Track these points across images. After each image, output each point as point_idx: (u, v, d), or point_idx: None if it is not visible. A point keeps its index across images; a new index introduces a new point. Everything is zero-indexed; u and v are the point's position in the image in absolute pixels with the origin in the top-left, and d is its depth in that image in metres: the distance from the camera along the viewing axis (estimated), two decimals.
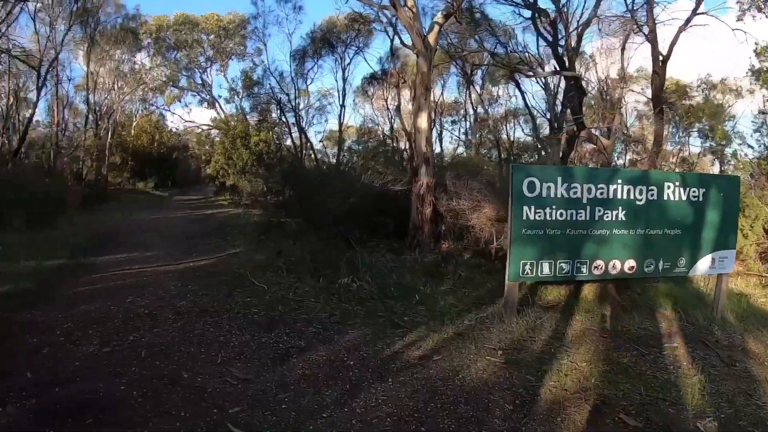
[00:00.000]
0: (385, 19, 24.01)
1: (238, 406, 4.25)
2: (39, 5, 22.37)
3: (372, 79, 31.42)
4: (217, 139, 34.65)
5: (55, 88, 25.80)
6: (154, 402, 4.23)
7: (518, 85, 26.04)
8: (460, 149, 35.27)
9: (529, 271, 6.49)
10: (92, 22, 26.36)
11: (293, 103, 31.36)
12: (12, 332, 5.79)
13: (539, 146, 28.20)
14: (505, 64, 19.80)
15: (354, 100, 36.84)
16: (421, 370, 5.11)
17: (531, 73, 20.91)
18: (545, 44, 16.14)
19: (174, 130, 43.79)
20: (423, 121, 11.26)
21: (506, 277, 6.57)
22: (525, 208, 6.37)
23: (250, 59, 35.29)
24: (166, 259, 10.20)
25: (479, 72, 29.17)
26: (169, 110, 40.17)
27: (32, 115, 24.39)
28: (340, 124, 32.51)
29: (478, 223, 9.78)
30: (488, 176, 10.84)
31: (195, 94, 37.27)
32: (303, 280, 7.99)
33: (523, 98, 27.27)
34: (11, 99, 26.53)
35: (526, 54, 21.34)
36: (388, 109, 32.44)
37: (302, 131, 32.32)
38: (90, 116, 29.82)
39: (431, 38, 11.54)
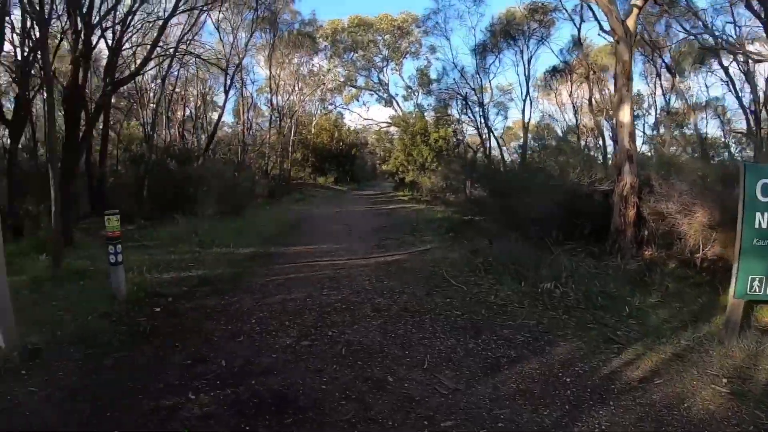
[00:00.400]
0: (570, 8, 22.44)
1: (450, 419, 3.63)
2: (221, 16, 23.79)
3: (554, 71, 29.58)
4: (396, 136, 34.91)
5: (241, 91, 27.54)
6: (359, 406, 3.77)
7: (726, 72, 22.59)
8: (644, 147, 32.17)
9: (757, 288, 5.21)
10: (271, 29, 27.89)
11: (479, 98, 30.45)
12: (207, 317, 5.75)
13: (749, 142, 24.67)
14: (727, 48, 17.41)
15: (532, 95, 34.67)
16: (643, 394, 4.18)
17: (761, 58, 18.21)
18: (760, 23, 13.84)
19: (352, 127, 45.16)
20: (625, 115, 10.00)
21: (730, 294, 5.33)
22: (758, 214, 5.12)
23: (424, 57, 35.29)
24: (355, 252, 9.99)
25: (663, 60, 26.18)
26: (348, 108, 41.59)
27: (221, 114, 26.31)
28: (524, 122, 30.99)
29: (688, 229, 8.42)
30: (694, 176, 9.34)
31: (372, 92, 38.12)
32: (503, 282, 7.25)
33: (732, 87, 23.29)
34: (200, 102, 28.53)
35: (723, 37, 18.81)
36: (573, 103, 30.44)
37: (490, 129, 31.40)
38: (273, 116, 31.44)
39: (630, 23, 10.24)
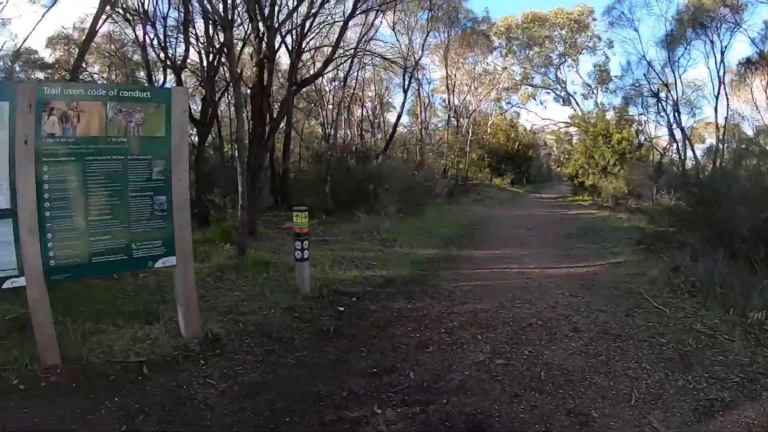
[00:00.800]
0: None
1: None
2: (395, 18, 23.87)
3: (747, 63, 25.61)
4: (576, 137, 33.33)
5: (418, 91, 27.51)
6: None
7: None
8: None
9: None
10: (445, 29, 27.68)
11: (671, 96, 27.54)
12: (393, 322, 5.44)
13: None
14: None
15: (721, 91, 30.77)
16: None
17: None
18: None
19: (528, 127, 44.00)
20: None
21: None
22: None
23: (601, 52, 33.52)
24: (542, 260, 9.28)
25: None
26: (524, 108, 40.50)
27: (400, 114, 26.30)
28: (717, 121, 27.26)
29: None
30: None
31: (549, 91, 36.71)
32: (708, 307, 6.16)
33: None
34: (376, 102, 28.96)
35: None
36: None
37: (683, 130, 28.17)
38: (450, 115, 31.21)
39: None
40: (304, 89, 18.24)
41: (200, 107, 14.88)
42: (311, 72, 16.79)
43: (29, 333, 4.40)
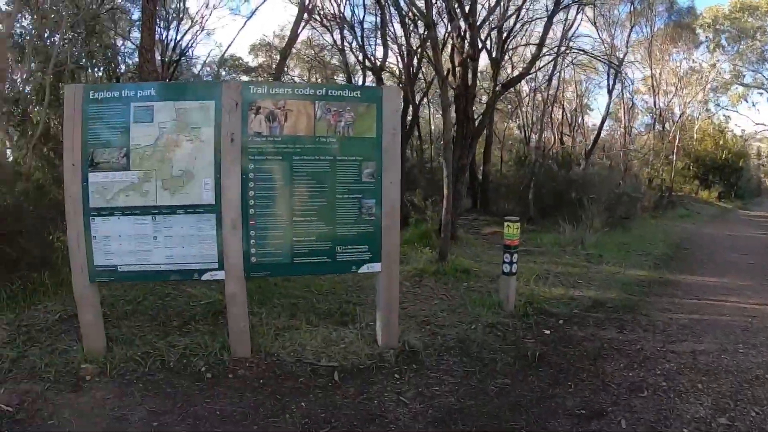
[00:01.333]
0: None
1: None
2: (595, 13, 22.19)
3: None
4: None
5: (621, 92, 25.49)
6: None
7: None
8: None
9: None
10: (648, 23, 25.34)
11: None
12: (603, 354, 4.88)
13: None
14: None
15: None
16: None
17: None
18: None
19: (738, 133, 39.26)
20: None
21: None
22: None
23: None
24: (765, 295, 7.90)
25: None
26: (735, 110, 35.98)
27: (604, 117, 24.33)
28: None
29: None
30: None
31: (762, 91, 32.28)
32: None
33: None
34: (576, 104, 27.56)
35: None
36: None
37: None
38: (654, 119, 28.95)
39: None
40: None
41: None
42: (511, 74, 16.31)
43: (222, 321, 4.57)
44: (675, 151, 29.61)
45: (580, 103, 28.64)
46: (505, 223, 5.96)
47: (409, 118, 15.88)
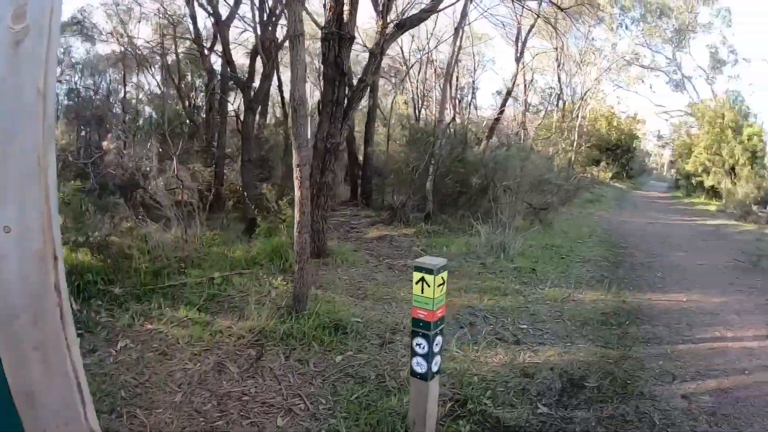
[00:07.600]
0: None
1: None
2: None
3: None
4: (693, 129, 29.50)
5: (521, 63, 23.72)
6: None
7: None
8: None
9: None
10: None
11: None
12: None
13: None
14: None
15: None
16: None
17: None
18: None
19: (631, 115, 38.97)
20: None
21: None
22: None
23: (718, 31, 30.17)
24: (749, 316, 5.81)
25: None
26: (631, 90, 36.11)
27: (511, 88, 22.79)
28: None
29: None
30: None
31: (660, 72, 32.00)
32: None
33: None
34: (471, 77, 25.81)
35: None
36: None
37: None
38: (559, 96, 28.65)
39: None
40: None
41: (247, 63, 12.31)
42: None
43: None
44: (577, 131, 28.59)
45: (473, 75, 26.48)
46: (414, 273, 2.87)
47: (259, 78, 12.26)
